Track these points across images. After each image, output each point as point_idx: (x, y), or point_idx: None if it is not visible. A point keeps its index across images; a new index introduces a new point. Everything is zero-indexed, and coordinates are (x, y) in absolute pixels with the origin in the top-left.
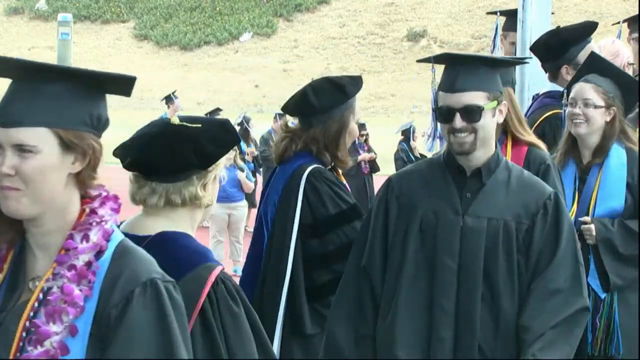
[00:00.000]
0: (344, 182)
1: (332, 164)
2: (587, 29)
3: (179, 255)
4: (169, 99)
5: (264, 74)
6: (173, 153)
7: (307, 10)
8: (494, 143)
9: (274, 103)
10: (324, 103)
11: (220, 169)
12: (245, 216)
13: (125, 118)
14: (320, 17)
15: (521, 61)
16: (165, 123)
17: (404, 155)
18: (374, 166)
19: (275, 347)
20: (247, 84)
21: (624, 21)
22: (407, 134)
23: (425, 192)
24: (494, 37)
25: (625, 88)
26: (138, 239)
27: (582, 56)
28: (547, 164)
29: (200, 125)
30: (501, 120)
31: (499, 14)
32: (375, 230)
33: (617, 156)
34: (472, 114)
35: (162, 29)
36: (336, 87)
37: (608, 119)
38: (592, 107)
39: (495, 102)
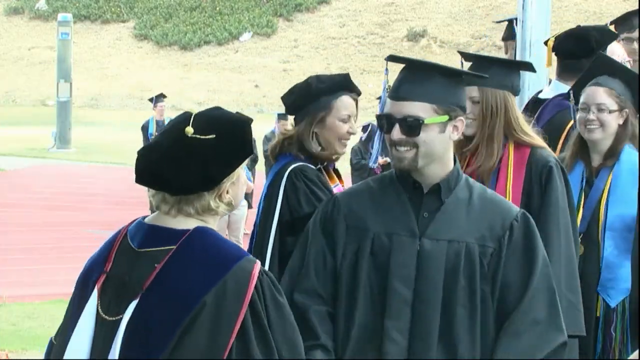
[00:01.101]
0: (330, 183)
1: (325, 163)
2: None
3: (222, 247)
4: (157, 99)
5: (264, 74)
6: (179, 172)
7: (307, 10)
8: (450, 159)
9: (274, 103)
10: (295, 102)
11: (241, 170)
12: (245, 216)
13: (125, 118)
14: (320, 17)
15: (481, 76)
16: (178, 135)
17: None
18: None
19: None
20: (247, 84)
21: (611, 23)
22: (370, 134)
23: (377, 211)
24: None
25: (635, 87)
26: (176, 233)
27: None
28: (550, 165)
29: (214, 137)
30: (456, 137)
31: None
32: (315, 253)
33: (629, 160)
34: (411, 126)
35: (162, 29)
36: (307, 86)
37: (621, 122)
38: (606, 112)
39: (446, 117)
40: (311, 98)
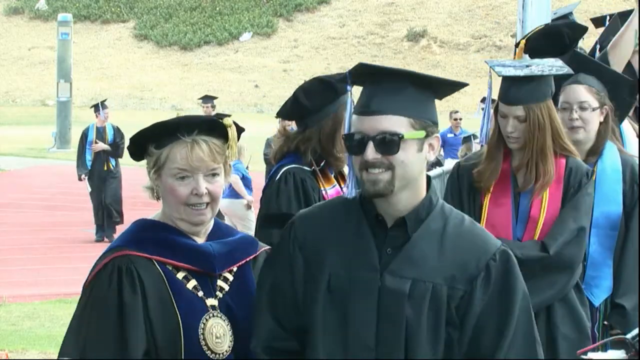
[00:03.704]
0: (326, 185)
1: (321, 165)
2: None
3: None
4: (96, 108)
5: (264, 74)
6: None
7: (307, 10)
8: (422, 184)
9: (274, 103)
10: (315, 103)
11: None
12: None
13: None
14: (320, 17)
15: (460, 84)
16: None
17: None
18: None
19: None
20: (247, 84)
21: (593, 20)
22: None
23: (336, 242)
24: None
25: (613, 84)
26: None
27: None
28: (589, 177)
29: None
30: (432, 158)
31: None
32: (278, 286)
33: (612, 156)
34: (387, 144)
35: (162, 29)
36: (326, 86)
37: (602, 119)
38: (589, 110)
39: (423, 133)
40: (335, 97)
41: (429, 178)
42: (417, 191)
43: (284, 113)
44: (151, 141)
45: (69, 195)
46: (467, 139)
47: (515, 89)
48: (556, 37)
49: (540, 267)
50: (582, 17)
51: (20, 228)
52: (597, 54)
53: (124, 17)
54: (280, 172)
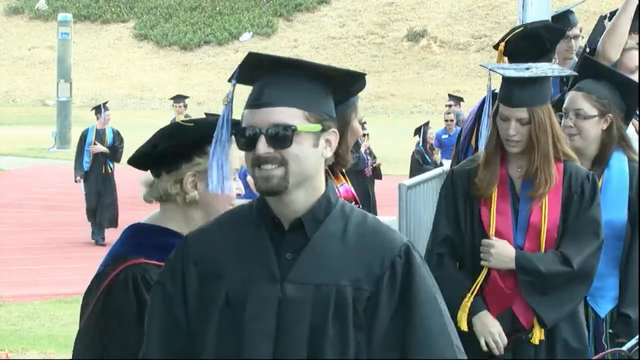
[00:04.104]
0: (336, 182)
1: (331, 163)
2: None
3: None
4: (97, 110)
5: None
6: (151, 148)
7: (307, 10)
8: (321, 182)
9: None
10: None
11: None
12: None
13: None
14: (320, 17)
15: (358, 75)
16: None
17: (419, 157)
18: (377, 173)
19: None
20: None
21: (552, 19)
22: (423, 134)
23: (233, 253)
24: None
25: (624, 89)
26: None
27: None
28: (590, 179)
29: (192, 125)
30: (328, 154)
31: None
32: (166, 308)
33: (619, 166)
34: (280, 137)
35: (162, 29)
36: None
37: (605, 127)
38: (584, 118)
39: (319, 127)
40: (343, 99)
41: (327, 177)
42: (313, 190)
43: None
44: (199, 149)
45: (69, 195)
46: (418, 130)
47: (518, 91)
48: (535, 40)
49: (563, 281)
50: (582, 17)
51: (20, 228)
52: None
53: (124, 17)
54: None
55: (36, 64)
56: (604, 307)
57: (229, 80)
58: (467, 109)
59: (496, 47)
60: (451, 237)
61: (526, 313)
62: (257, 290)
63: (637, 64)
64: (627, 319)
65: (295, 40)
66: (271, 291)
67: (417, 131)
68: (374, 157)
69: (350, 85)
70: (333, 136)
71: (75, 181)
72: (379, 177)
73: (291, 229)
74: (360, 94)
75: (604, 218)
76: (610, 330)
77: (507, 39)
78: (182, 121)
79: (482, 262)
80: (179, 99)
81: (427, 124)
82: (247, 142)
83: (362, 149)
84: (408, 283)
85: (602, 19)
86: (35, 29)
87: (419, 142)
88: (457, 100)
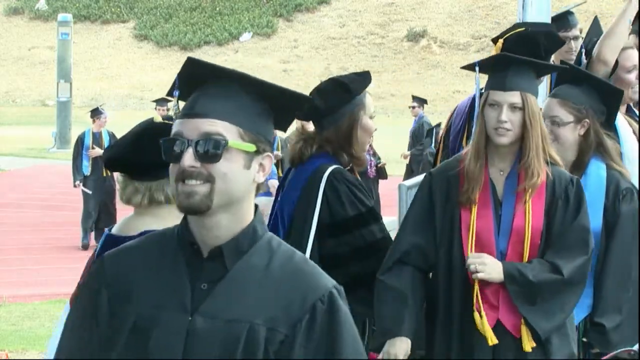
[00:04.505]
0: (362, 183)
1: (350, 164)
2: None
3: None
4: (95, 113)
5: (264, 74)
6: (152, 150)
7: (307, 10)
8: (249, 210)
9: None
10: (330, 104)
11: None
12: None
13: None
14: (320, 17)
15: (305, 99)
16: (149, 122)
17: (432, 158)
18: (381, 173)
19: None
20: None
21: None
22: (435, 135)
23: (147, 278)
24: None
25: (603, 93)
26: (123, 239)
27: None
28: (575, 183)
29: None
30: (260, 179)
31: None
32: (76, 333)
33: (597, 173)
34: (209, 150)
35: (162, 29)
36: (340, 87)
37: (582, 133)
38: (558, 125)
39: (253, 147)
40: (349, 97)
41: (256, 206)
42: (239, 217)
43: (300, 114)
44: None
45: (69, 195)
46: (430, 132)
47: (511, 76)
48: (532, 46)
49: (553, 291)
50: (582, 18)
51: (20, 228)
52: (583, 57)
53: (124, 17)
54: (327, 173)
55: (36, 64)
56: (578, 314)
57: (169, 93)
58: (432, 111)
59: (495, 41)
60: (421, 246)
61: (514, 321)
62: (166, 320)
63: (634, 63)
64: (602, 328)
65: (295, 41)
66: (180, 322)
67: (429, 132)
68: (378, 158)
69: (295, 109)
70: (267, 161)
71: (75, 186)
72: (384, 177)
73: (210, 257)
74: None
75: None
76: (584, 339)
77: (506, 36)
78: (163, 122)
79: (478, 275)
80: (162, 102)
81: (438, 125)
82: (174, 153)
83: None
84: (330, 334)
85: (597, 19)
86: (35, 29)
87: (431, 144)
88: (421, 102)
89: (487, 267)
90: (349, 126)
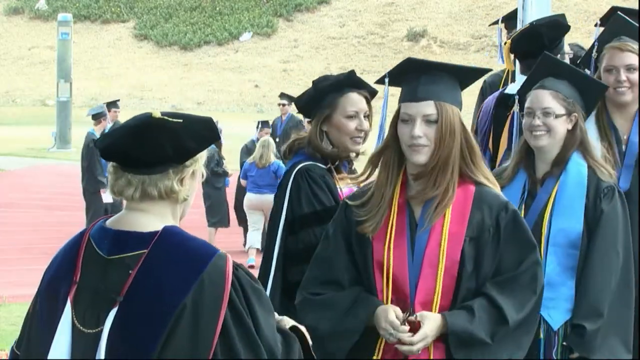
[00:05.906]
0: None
1: (336, 163)
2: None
3: (193, 247)
4: (99, 115)
5: (264, 74)
6: (149, 144)
7: (307, 10)
8: None
9: (274, 103)
10: (319, 92)
11: (200, 165)
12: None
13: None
14: (320, 17)
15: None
16: (147, 116)
17: None
18: None
19: None
20: (247, 84)
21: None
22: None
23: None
24: (500, 48)
25: (584, 88)
26: (144, 236)
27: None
28: (509, 210)
29: (181, 121)
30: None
31: (500, 21)
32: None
33: (577, 170)
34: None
35: (162, 29)
36: (333, 78)
37: (569, 127)
38: (552, 117)
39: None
40: (317, 97)
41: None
42: None
43: (298, 106)
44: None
45: (69, 195)
46: (265, 124)
47: (423, 85)
48: (535, 38)
49: (500, 337)
50: (582, 17)
51: (20, 228)
52: (594, 54)
53: (124, 17)
54: (295, 171)
55: (36, 64)
56: (557, 319)
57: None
58: (466, 109)
59: (505, 43)
60: (339, 282)
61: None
62: None
63: (632, 62)
64: (582, 330)
65: (295, 40)
66: None
67: None
68: None
69: (474, 79)
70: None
71: (99, 192)
72: None
73: None
74: None
75: (557, 225)
76: (564, 343)
77: (512, 36)
78: (162, 118)
79: (406, 350)
80: (116, 104)
81: None
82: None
83: None
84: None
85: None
86: (35, 29)
87: None
88: (291, 100)
89: (421, 344)
90: (315, 126)
